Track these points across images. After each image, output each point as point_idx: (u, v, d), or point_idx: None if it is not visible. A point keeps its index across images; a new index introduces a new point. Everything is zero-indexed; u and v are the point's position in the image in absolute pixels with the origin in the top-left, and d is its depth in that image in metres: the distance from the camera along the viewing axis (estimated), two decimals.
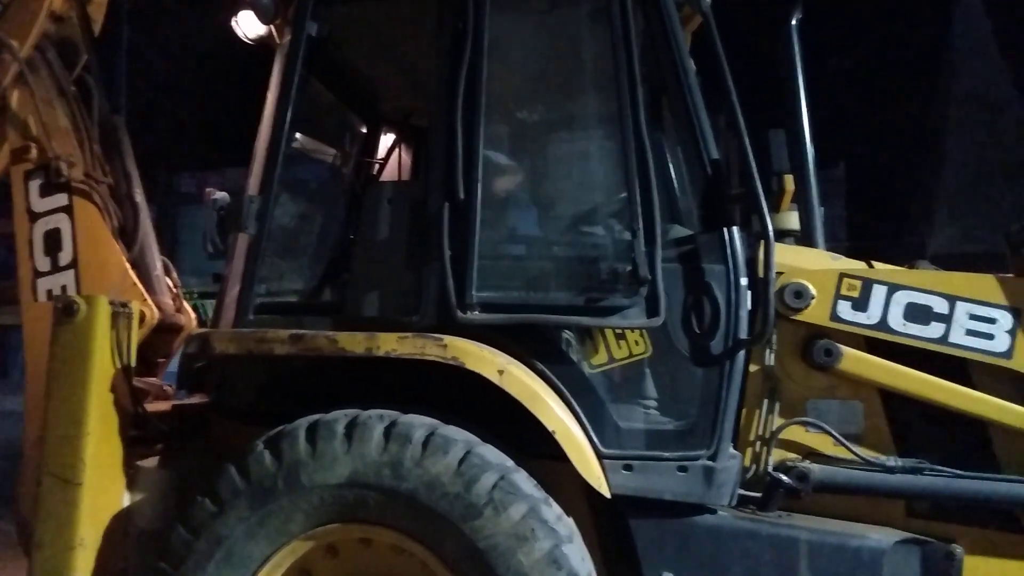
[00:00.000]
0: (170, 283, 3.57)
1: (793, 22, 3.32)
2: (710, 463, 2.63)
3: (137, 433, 2.90)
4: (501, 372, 2.53)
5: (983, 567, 2.77)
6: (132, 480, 2.86)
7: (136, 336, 2.93)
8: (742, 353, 2.72)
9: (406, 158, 4.37)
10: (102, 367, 2.76)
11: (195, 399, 3.37)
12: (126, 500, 2.84)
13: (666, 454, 2.65)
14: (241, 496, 2.50)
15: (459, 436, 2.49)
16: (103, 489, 2.76)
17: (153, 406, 3.07)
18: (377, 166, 4.29)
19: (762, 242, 2.64)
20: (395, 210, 2.91)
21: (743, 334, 2.69)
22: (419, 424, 2.50)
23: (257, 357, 2.70)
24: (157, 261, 3.51)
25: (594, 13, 2.78)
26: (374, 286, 2.89)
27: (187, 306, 3.64)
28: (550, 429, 2.51)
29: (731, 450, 2.73)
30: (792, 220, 3.40)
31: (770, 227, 2.62)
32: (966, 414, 2.82)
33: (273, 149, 2.97)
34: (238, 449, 2.61)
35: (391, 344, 2.56)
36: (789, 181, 2.67)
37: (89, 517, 2.69)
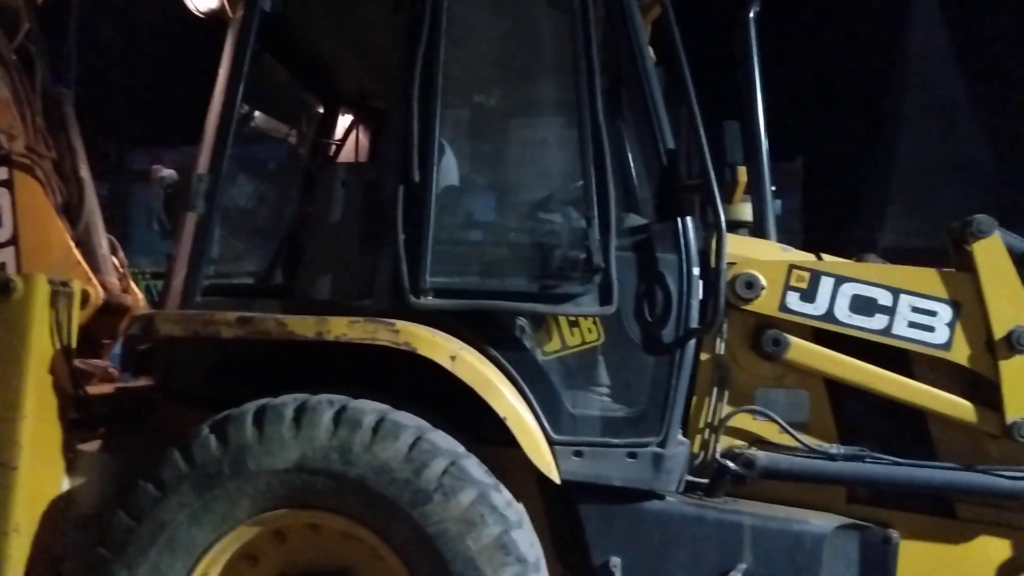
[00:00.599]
0: (116, 262, 3.47)
1: (751, 15, 3.34)
2: (659, 450, 2.67)
3: (78, 416, 2.81)
4: (453, 358, 2.52)
5: (918, 551, 2.86)
6: (72, 464, 2.78)
7: (77, 316, 2.84)
8: (693, 342, 2.75)
9: (364, 140, 4.32)
10: (40, 348, 2.67)
11: (141, 382, 3.29)
12: (65, 484, 2.76)
13: (616, 440, 2.67)
14: (185, 481, 2.46)
15: (410, 422, 2.47)
16: (40, 473, 2.67)
17: (97, 389, 2.99)
18: (334, 147, 4.24)
19: (715, 232, 2.67)
20: (349, 192, 2.87)
21: (694, 323, 2.72)
22: (369, 409, 2.47)
23: (204, 340, 2.64)
24: (103, 239, 3.41)
25: None
26: (326, 269, 2.85)
27: (134, 286, 3.54)
28: (501, 415, 2.51)
29: (680, 437, 2.77)
30: (746, 211, 3.44)
31: (723, 218, 2.65)
32: (907, 404, 2.90)
33: (223, 127, 2.90)
34: (183, 433, 2.56)
35: (342, 328, 2.53)
36: (742, 172, 2.71)
37: (25, 502, 2.61)
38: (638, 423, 2.69)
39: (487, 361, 2.63)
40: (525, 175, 2.99)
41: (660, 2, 2.78)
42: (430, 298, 2.63)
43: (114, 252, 3.48)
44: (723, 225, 2.65)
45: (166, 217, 2.93)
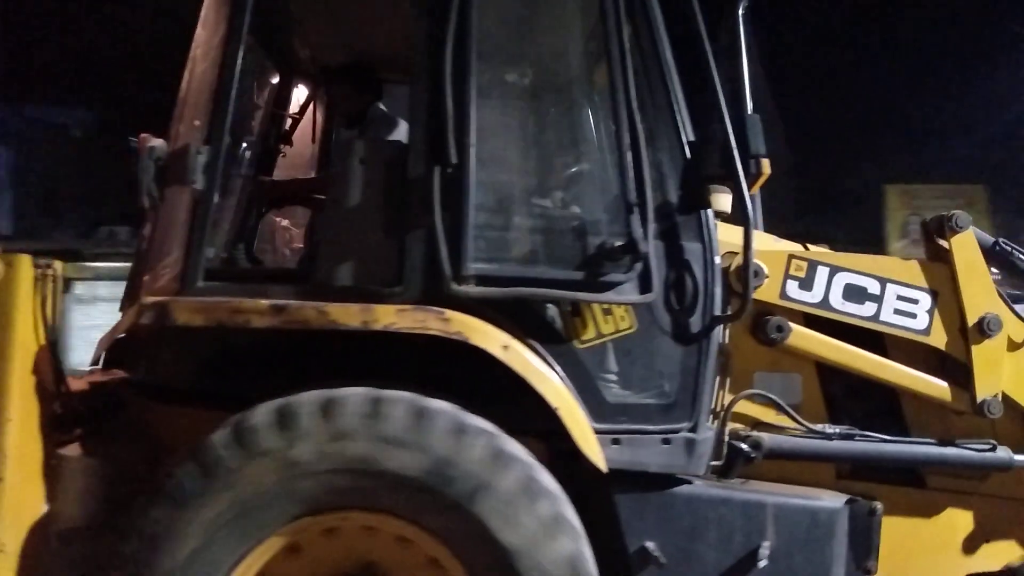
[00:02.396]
0: None
1: (740, 10, 3.43)
2: (691, 435, 2.71)
3: (61, 415, 2.46)
4: (505, 347, 2.44)
5: (893, 521, 3.10)
6: (54, 471, 2.42)
7: (60, 301, 2.48)
8: (718, 329, 2.82)
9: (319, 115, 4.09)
10: (24, 339, 2.31)
11: (98, 376, 2.93)
12: (48, 495, 2.41)
13: (651, 427, 2.69)
14: (273, 457, 2.25)
15: (522, 455, 2.39)
16: (26, 483, 2.32)
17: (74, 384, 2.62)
18: (290, 120, 3.98)
19: (742, 225, 2.74)
20: (369, 171, 2.67)
21: (717, 311, 2.79)
22: (484, 430, 2.36)
23: (222, 330, 2.39)
24: None
25: None
26: (346, 253, 2.64)
27: None
28: (554, 406, 2.46)
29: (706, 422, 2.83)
30: (725, 202, 3.55)
31: (750, 210, 2.73)
32: (889, 384, 3.13)
33: (222, 96, 2.66)
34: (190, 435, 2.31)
35: (390, 317, 2.38)
36: (766, 165, 2.78)
37: (11, 517, 2.26)
38: (670, 409, 2.72)
39: (531, 351, 2.57)
40: (561, 159, 2.91)
41: None
42: (472, 286, 2.52)
43: None
44: (750, 217, 2.73)
45: (157, 191, 2.61)
